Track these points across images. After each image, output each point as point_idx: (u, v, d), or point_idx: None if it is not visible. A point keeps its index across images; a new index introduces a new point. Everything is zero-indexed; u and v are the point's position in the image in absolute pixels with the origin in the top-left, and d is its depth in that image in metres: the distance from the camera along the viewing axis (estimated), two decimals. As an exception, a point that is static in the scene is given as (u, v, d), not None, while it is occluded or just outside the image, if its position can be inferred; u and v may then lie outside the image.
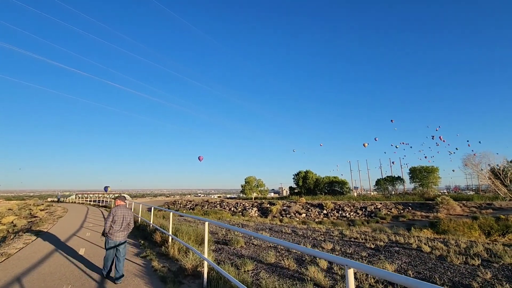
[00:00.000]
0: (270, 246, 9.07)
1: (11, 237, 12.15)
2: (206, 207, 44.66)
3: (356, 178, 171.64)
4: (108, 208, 26.83)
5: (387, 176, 52.83)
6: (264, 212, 40.80)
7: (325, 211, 38.40)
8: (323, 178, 57.48)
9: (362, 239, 10.45)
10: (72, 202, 40.84)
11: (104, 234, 5.28)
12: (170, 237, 7.42)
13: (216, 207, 44.01)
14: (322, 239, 10.47)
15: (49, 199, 50.16)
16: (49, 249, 8.03)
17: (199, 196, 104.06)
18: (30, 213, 26.46)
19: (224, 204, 45.35)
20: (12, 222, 22.46)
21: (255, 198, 57.21)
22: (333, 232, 12.08)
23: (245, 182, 62.45)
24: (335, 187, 54.73)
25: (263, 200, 47.28)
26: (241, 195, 77.47)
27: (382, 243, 9.56)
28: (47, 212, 24.09)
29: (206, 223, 4.89)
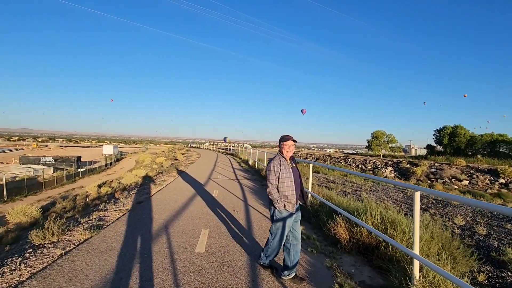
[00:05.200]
0: None
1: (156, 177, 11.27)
2: (328, 161, 39.87)
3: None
4: (235, 156, 25.73)
5: None
6: (403, 174, 32.09)
7: (502, 180, 25.87)
8: (481, 136, 40.61)
9: None
10: (205, 149, 46.43)
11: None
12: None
13: (341, 162, 38.39)
14: None
15: (189, 145, 59.44)
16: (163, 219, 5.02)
17: (313, 149, 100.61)
18: (174, 156, 29.92)
19: (349, 160, 39.03)
20: (161, 162, 25.58)
21: (383, 155, 47.65)
22: None
23: (372, 137, 52.75)
24: (499, 148, 37.79)
25: (400, 159, 37.57)
26: (364, 151, 67.93)
27: None
28: (184, 156, 25.84)
29: None
